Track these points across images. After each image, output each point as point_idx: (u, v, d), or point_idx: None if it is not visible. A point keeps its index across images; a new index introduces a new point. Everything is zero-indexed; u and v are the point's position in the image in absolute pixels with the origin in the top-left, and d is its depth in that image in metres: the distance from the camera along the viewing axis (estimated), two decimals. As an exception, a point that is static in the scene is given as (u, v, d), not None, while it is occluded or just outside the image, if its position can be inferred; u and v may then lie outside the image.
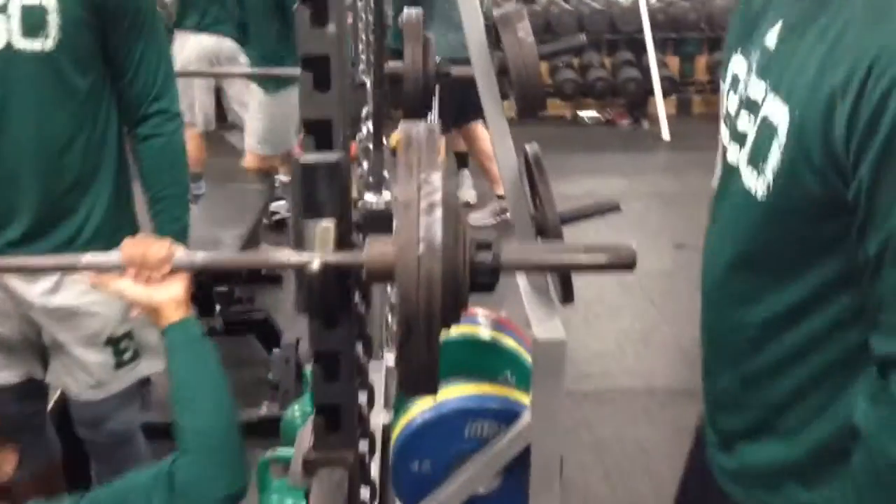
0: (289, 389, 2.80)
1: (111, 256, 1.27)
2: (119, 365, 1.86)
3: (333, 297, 1.38)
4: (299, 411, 2.50)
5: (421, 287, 1.14)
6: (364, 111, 2.65)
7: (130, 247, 1.26)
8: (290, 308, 3.73)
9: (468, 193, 5.78)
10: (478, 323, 2.54)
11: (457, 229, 1.26)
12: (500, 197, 5.52)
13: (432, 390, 1.27)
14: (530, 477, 2.13)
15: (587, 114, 8.62)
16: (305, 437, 1.61)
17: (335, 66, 1.29)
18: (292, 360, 2.93)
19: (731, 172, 1.41)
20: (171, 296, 1.29)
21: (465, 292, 1.27)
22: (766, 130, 1.26)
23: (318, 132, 1.32)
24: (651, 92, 7.87)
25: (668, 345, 3.51)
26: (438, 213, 1.15)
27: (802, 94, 1.18)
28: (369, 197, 2.45)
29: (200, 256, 1.29)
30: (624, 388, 3.15)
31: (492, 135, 2.15)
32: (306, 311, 1.42)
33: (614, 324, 3.71)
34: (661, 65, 8.03)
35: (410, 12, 2.42)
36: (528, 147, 2.23)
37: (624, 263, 1.31)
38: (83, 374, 1.85)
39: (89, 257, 1.28)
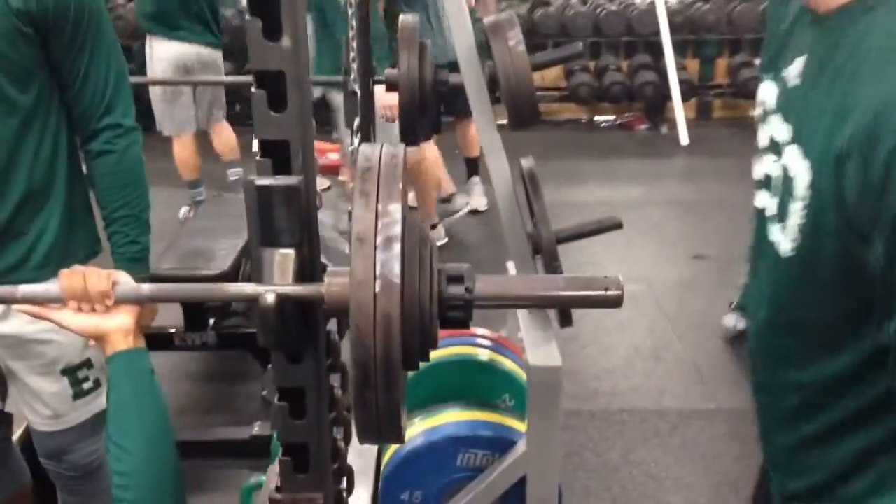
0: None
1: (49, 288, 1.18)
2: (78, 395, 1.73)
3: (295, 331, 1.28)
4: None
5: (378, 329, 1.04)
6: (356, 122, 2.57)
7: (68, 278, 1.17)
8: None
9: (478, 201, 5.66)
10: (476, 344, 2.44)
11: (422, 264, 1.16)
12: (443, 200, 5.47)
13: (397, 439, 1.16)
14: (526, 508, 2.03)
15: (603, 118, 8.50)
16: (273, 476, 1.51)
17: (291, 82, 1.19)
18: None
19: (762, 220, 1.30)
20: (117, 325, 1.20)
21: (433, 329, 1.16)
22: (787, 184, 1.14)
23: (275, 154, 1.22)
24: (669, 96, 7.72)
25: (682, 362, 3.37)
26: (397, 248, 1.05)
27: (818, 152, 1.07)
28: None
29: (146, 289, 1.19)
30: (633, 409, 3.02)
31: (484, 150, 2.05)
32: (266, 345, 1.33)
33: (624, 338, 3.58)
34: (680, 68, 7.87)
35: (406, 18, 2.32)
36: (523, 161, 2.13)
37: (609, 301, 1.20)
38: (39, 405, 1.74)
39: (26, 289, 1.19)
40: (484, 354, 2.39)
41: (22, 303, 1.19)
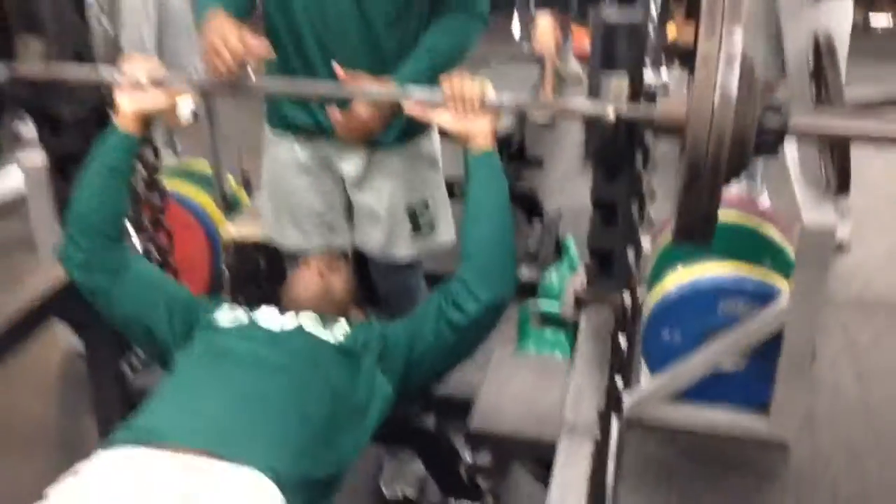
0: (547, 257, 2.98)
1: (435, 93, 1.46)
2: (416, 231, 1.94)
3: (617, 149, 1.50)
4: (556, 275, 2.68)
5: (712, 135, 1.21)
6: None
7: (450, 84, 1.45)
8: (551, 185, 3.89)
9: None
10: (742, 210, 2.57)
11: (752, 87, 1.32)
12: None
13: (707, 240, 1.37)
14: (780, 360, 2.18)
15: (880, 18, 7.85)
16: (576, 280, 1.77)
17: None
18: (553, 230, 3.11)
19: None
20: (480, 129, 1.47)
21: (748, 150, 1.34)
22: None
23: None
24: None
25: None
26: (737, 67, 1.22)
27: None
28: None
29: (506, 97, 1.46)
30: (886, 302, 3.03)
31: (783, 10, 2.11)
32: (594, 159, 1.56)
33: (885, 238, 3.53)
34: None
35: None
36: (819, 32, 2.17)
37: None
38: (380, 235, 1.93)
39: (418, 92, 1.49)
40: (749, 220, 2.52)
41: (412, 103, 1.48)
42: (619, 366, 1.82)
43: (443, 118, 1.47)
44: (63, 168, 1.80)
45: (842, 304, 2.97)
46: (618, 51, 1.44)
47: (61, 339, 2.55)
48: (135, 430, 1.24)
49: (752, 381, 2.27)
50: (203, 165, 2.70)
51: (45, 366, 2.61)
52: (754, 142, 1.34)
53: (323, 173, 1.87)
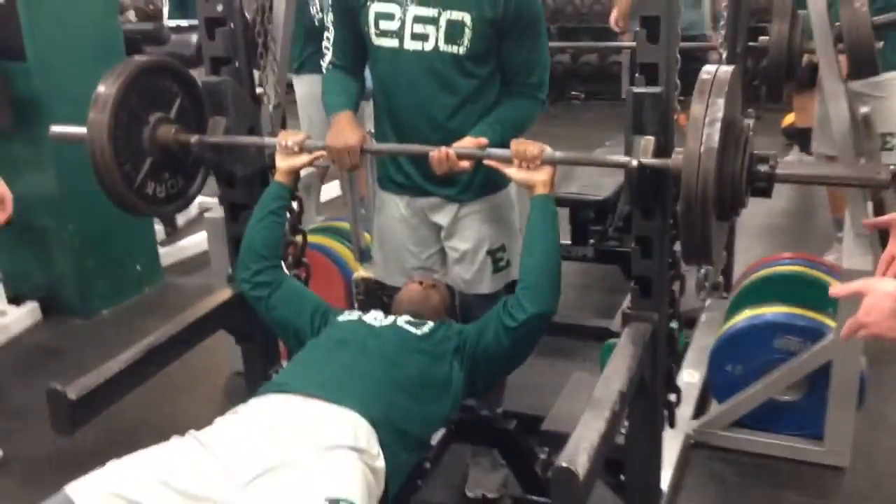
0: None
1: (505, 152, 1.94)
2: (496, 270, 2.33)
3: (649, 193, 1.90)
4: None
5: (699, 176, 1.61)
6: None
7: (516, 146, 1.91)
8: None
9: None
10: (813, 266, 2.86)
11: (738, 142, 1.70)
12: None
13: (707, 261, 1.75)
14: (830, 390, 2.45)
15: None
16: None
17: (665, 25, 1.81)
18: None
19: None
20: (540, 178, 1.90)
21: (741, 192, 1.70)
22: None
23: (648, 72, 1.85)
24: None
25: None
26: (718, 125, 1.62)
27: None
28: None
29: (559, 155, 1.92)
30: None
31: (827, 95, 2.46)
32: (632, 203, 1.96)
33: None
34: None
35: None
36: (862, 109, 2.50)
37: (875, 183, 1.68)
38: (468, 274, 2.33)
39: (493, 150, 1.98)
40: (817, 274, 2.81)
41: (487, 158, 1.97)
42: (668, 379, 2.18)
43: (511, 171, 1.93)
44: (235, 215, 2.39)
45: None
46: (645, 115, 1.85)
47: (230, 361, 3.11)
48: (273, 385, 1.75)
49: (811, 413, 2.54)
50: (344, 224, 3.28)
51: (214, 381, 3.20)
52: (747, 185, 1.72)
53: (421, 224, 2.33)
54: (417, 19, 2.08)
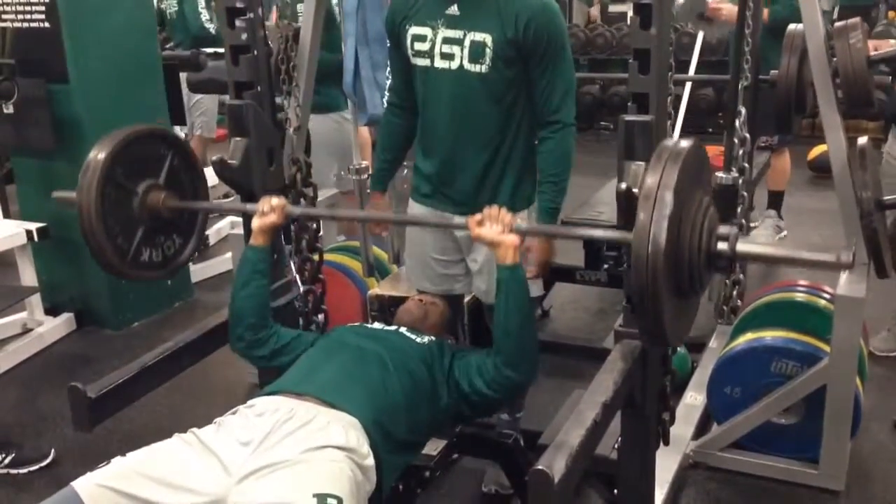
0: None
1: (479, 216, 1.96)
2: None
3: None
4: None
5: (649, 260, 1.55)
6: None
7: (489, 210, 1.91)
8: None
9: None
10: (818, 294, 2.92)
11: (694, 224, 1.64)
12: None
13: (662, 342, 1.78)
14: (825, 413, 2.51)
15: None
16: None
17: (655, 57, 1.91)
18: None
19: None
20: (509, 241, 1.88)
21: (700, 271, 1.66)
22: None
23: (640, 102, 1.95)
24: None
25: None
26: (669, 208, 1.54)
27: None
28: (719, 174, 3.00)
29: (535, 226, 2.05)
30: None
31: (825, 127, 2.53)
32: (619, 224, 2.06)
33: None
34: None
35: (794, 27, 2.93)
36: (860, 140, 2.56)
37: (840, 265, 1.69)
38: (485, 285, 2.42)
39: (459, 219, 2.13)
40: (820, 302, 2.87)
41: (458, 227, 2.08)
42: (661, 397, 2.26)
43: (482, 230, 1.93)
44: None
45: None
46: (636, 143, 1.95)
47: (250, 374, 3.24)
48: (272, 386, 1.87)
49: (808, 436, 2.59)
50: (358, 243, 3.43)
51: (233, 391, 3.32)
52: (706, 265, 1.66)
53: (444, 235, 2.48)
54: (446, 40, 2.29)
